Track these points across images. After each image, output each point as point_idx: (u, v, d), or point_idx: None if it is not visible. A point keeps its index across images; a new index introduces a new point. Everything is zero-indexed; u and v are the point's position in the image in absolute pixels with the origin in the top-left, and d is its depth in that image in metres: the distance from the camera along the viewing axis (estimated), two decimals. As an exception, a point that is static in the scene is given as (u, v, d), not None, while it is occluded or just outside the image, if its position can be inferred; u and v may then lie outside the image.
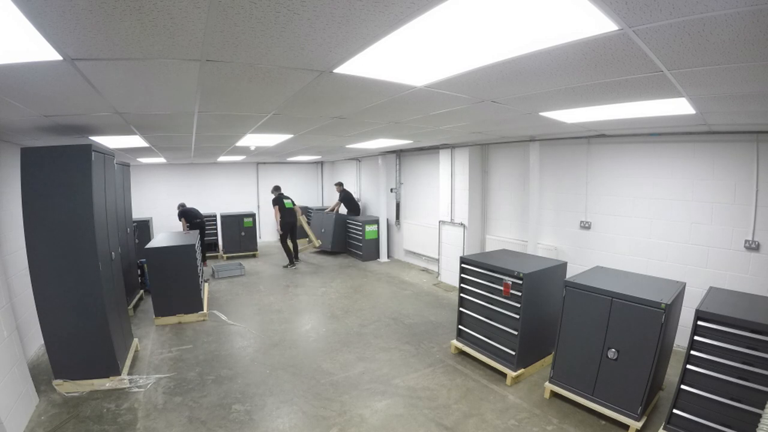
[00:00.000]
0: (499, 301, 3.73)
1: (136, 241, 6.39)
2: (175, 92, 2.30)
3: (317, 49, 1.60)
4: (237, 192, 11.09)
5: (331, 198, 12.33)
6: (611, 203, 4.79)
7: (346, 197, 9.57)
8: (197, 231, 6.79)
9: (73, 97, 2.30)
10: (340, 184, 9.69)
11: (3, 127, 3.18)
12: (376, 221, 8.86)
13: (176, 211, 8.38)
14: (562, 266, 3.92)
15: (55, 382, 3.39)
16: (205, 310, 5.43)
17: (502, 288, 3.68)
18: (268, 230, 11.30)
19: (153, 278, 5.12)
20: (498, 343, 3.77)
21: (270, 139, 5.15)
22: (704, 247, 4.02)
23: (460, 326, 4.21)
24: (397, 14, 1.28)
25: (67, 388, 3.40)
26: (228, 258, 9.21)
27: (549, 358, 3.82)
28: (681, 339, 3.37)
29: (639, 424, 2.83)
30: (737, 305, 2.61)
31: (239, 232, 9.31)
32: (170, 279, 5.10)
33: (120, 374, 3.56)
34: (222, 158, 8.46)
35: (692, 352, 2.57)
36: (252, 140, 5.13)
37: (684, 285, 3.13)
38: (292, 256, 8.39)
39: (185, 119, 3.24)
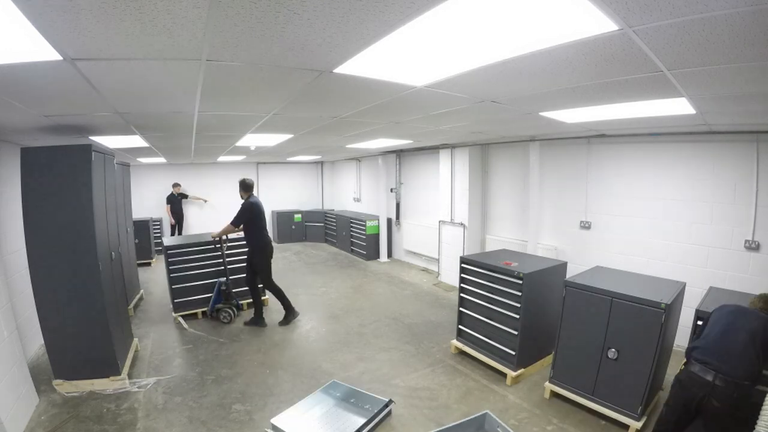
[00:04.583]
0: (499, 301, 3.73)
1: (136, 241, 6.39)
2: (175, 92, 2.31)
3: (317, 49, 1.60)
4: (237, 192, 11.06)
5: (332, 199, 12.33)
6: (611, 203, 4.79)
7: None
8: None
9: (73, 97, 2.30)
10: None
11: (3, 127, 3.18)
12: (377, 219, 8.88)
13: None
14: (562, 266, 3.92)
15: (55, 382, 3.39)
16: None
17: (502, 288, 3.68)
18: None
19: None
20: (498, 343, 3.77)
21: (270, 139, 5.15)
22: (704, 247, 4.02)
23: (460, 326, 4.20)
24: (397, 14, 1.28)
25: (67, 388, 3.40)
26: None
27: (549, 358, 3.81)
28: (681, 339, 3.37)
29: (639, 424, 2.83)
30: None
31: (290, 226, 11.33)
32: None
33: (120, 374, 3.55)
34: (222, 158, 8.46)
35: (692, 352, 2.56)
36: (252, 140, 5.14)
37: (684, 285, 3.13)
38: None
39: (185, 119, 3.24)
